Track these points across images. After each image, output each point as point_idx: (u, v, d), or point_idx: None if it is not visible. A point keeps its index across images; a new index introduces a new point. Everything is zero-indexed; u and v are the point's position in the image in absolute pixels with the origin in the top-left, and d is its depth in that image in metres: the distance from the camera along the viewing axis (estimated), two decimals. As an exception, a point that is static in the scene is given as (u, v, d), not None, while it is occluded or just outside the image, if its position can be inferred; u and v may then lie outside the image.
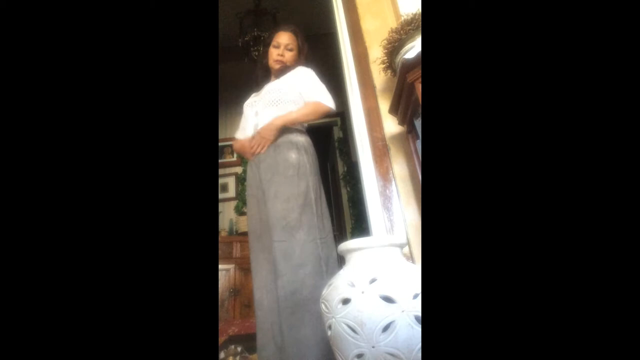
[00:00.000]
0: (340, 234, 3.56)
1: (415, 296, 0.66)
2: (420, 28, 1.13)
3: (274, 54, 1.41)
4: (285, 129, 1.25)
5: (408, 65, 1.06)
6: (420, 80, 1.04)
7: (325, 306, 0.75)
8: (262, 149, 1.25)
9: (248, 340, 1.48)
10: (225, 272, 2.74)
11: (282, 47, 1.40)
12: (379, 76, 1.52)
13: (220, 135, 3.69)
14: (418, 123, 1.18)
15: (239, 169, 3.72)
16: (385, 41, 1.26)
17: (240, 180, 3.66)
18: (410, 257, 1.29)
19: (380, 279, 0.69)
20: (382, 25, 1.61)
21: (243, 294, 2.67)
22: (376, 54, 1.47)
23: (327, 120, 3.72)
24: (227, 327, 2.02)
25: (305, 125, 1.35)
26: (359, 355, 0.66)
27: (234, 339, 1.70)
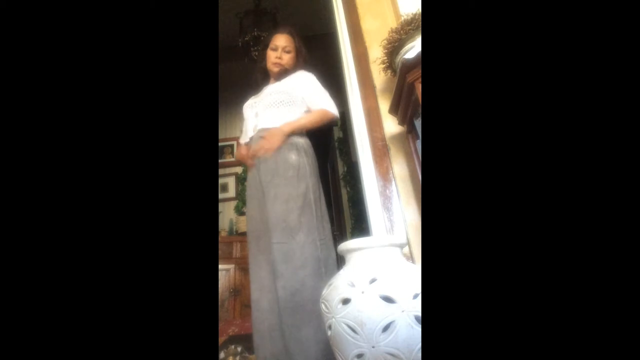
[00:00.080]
0: (340, 234, 3.55)
1: (415, 296, 0.66)
2: (420, 28, 1.13)
3: (272, 56, 1.41)
4: None
5: (408, 65, 1.06)
6: (420, 80, 1.04)
7: (325, 306, 0.75)
8: (267, 153, 1.24)
9: (248, 340, 1.47)
10: (225, 272, 2.74)
11: (279, 50, 1.40)
12: (379, 76, 1.52)
13: (220, 135, 3.69)
14: (418, 123, 1.18)
15: (239, 169, 3.72)
16: (385, 41, 1.26)
17: (240, 180, 3.66)
18: (410, 257, 1.29)
19: (380, 279, 0.69)
20: (382, 25, 1.61)
21: (243, 294, 2.67)
22: (376, 54, 1.46)
23: (327, 120, 3.70)
24: (227, 327, 2.02)
25: None
26: (359, 355, 0.66)
27: (234, 339, 1.70)
